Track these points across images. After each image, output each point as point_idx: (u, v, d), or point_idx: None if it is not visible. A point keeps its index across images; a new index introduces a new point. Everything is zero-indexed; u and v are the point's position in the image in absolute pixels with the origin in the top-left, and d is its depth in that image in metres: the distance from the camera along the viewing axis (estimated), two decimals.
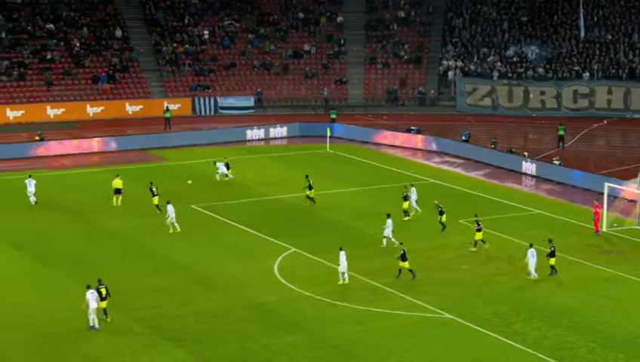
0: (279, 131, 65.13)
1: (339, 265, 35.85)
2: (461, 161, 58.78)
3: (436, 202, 43.23)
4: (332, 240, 39.77)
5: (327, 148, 60.66)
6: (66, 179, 52.47)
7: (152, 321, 32.25)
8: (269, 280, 36.49)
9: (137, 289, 35.38)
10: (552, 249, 37.36)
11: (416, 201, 45.27)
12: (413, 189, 45.68)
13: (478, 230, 40.18)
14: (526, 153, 57.33)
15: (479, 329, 32.10)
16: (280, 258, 38.72)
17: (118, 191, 45.99)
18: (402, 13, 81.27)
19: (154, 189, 45.11)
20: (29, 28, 73.54)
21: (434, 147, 61.46)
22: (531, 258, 36.77)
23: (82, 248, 40.22)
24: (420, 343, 31.12)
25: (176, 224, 41.93)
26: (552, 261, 37.29)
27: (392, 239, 39.92)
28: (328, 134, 61.45)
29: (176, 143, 61.41)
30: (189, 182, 49.52)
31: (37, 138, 59.97)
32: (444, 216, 42.60)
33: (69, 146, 59.20)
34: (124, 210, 45.65)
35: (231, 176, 51.50)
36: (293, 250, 39.63)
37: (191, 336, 31.14)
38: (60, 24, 74.52)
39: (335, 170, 55.39)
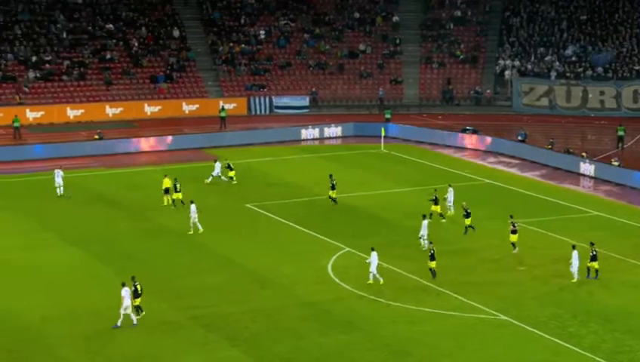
0: (334, 131, 65.20)
1: (370, 264, 35.77)
2: (517, 161, 58.13)
3: (464, 204, 42.54)
4: (386, 239, 39.66)
5: (382, 148, 60.52)
6: (124, 178, 53.14)
7: (208, 319, 32.49)
8: (323, 280, 36.52)
9: (193, 287, 35.66)
10: (594, 253, 36.70)
11: (452, 202, 44.73)
12: (451, 190, 45.19)
13: (513, 231, 39.58)
14: (584, 154, 56.48)
15: (535, 331, 31.73)
16: (334, 257, 38.72)
17: (167, 191, 46.43)
18: (459, 13, 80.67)
19: (177, 186, 45.83)
20: (90, 28, 74.81)
21: (489, 147, 60.90)
22: (575, 260, 36.21)
23: (139, 245, 40.73)
24: (475, 344, 30.87)
25: (198, 225, 41.81)
26: (595, 264, 36.59)
27: (424, 241, 39.56)
28: (383, 134, 61.29)
29: (232, 142, 61.85)
30: (207, 181, 49.71)
31: (96, 137, 60.95)
32: (469, 219, 41.84)
33: (127, 145, 60.03)
34: (181, 207, 46.17)
35: (225, 180, 50.62)
36: (347, 249, 39.59)
37: (245, 335, 31.29)
38: (120, 24, 75.66)
39: (389, 170, 55.24)
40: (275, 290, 35.45)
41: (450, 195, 44.99)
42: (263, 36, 77.97)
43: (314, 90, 74.46)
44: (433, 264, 36.39)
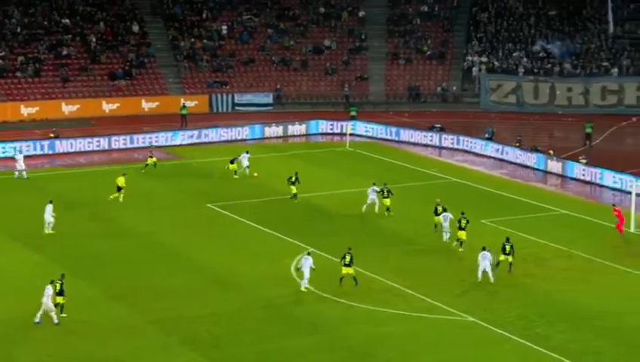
0: (298, 129, 64.13)
1: (298, 268, 34.74)
2: (484, 159, 57.61)
3: (438, 201, 41.33)
4: (351, 239, 38.68)
5: (347, 146, 59.65)
6: (81, 177, 51.66)
7: (167, 323, 31.54)
8: (286, 281, 35.63)
9: (154, 289, 34.68)
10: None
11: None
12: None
13: (461, 228, 38.71)
14: (551, 151, 56.02)
15: (502, 332, 31.21)
16: (297, 258, 37.72)
17: (119, 189, 45.48)
18: (426, 8, 79.89)
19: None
20: (45, 23, 72.89)
21: (456, 145, 60.23)
22: (482, 260, 35.46)
23: (98, 246, 39.46)
24: (441, 346, 30.31)
25: (49, 226, 40.44)
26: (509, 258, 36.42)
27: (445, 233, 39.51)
28: (348, 132, 60.49)
29: (193, 141, 60.56)
30: (255, 174, 50.30)
31: (52, 135, 59.20)
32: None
33: (84, 144, 58.23)
34: (143, 207, 45.05)
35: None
36: (311, 249, 38.55)
37: (206, 338, 30.50)
38: (77, 19, 73.84)
39: (355, 168, 54.31)
40: (237, 292, 34.55)
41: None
42: (225, 31, 76.58)
43: (278, 86, 73.31)
44: (350, 270, 34.82)
